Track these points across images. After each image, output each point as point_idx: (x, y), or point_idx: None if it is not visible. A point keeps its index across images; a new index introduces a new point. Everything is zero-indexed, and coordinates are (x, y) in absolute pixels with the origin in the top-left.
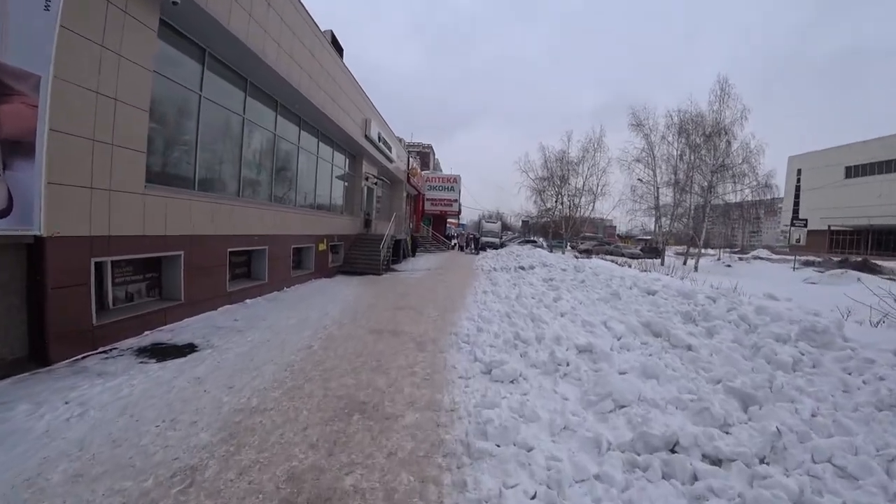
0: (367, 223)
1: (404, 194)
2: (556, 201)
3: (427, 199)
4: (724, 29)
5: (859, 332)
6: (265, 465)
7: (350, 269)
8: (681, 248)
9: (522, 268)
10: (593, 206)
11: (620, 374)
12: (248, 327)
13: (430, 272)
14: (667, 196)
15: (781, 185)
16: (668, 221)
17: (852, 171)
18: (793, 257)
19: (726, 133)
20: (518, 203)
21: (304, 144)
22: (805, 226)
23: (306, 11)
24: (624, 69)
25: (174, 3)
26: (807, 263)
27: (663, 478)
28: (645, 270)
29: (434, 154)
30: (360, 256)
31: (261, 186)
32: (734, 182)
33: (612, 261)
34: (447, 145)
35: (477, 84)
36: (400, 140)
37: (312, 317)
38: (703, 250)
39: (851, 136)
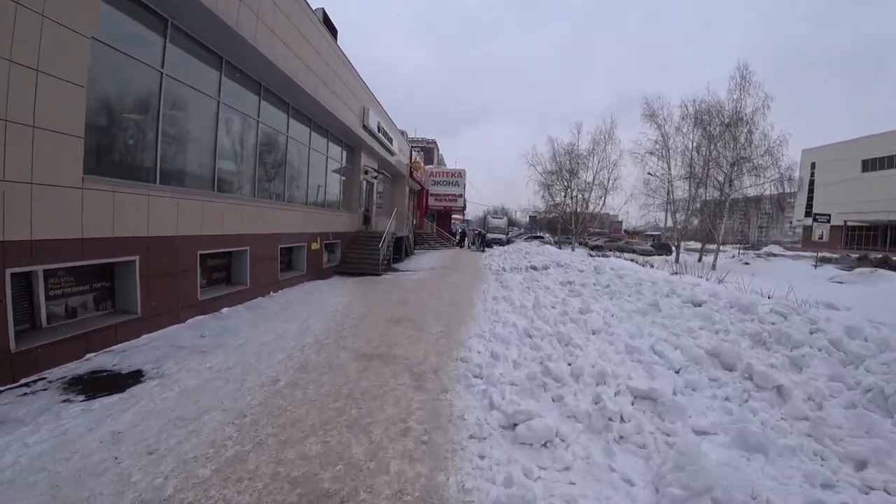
0: (367, 220)
1: (407, 189)
2: (564, 196)
3: (431, 195)
4: (733, 25)
5: None
6: None
7: (347, 269)
8: (692, 245)
9: (535, 268)
10: (604, 201)
11: (698, 433)
12: (213, 346)
13: (433, 272)
14: (682, 190)
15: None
16: (682, 216)
17: (869, 165)
18: (806, 254)
19: (747, 123)
20: (525, 198)
21: (293, 134)
22: (828, 221)
23: None
24: (632, 70)
25: None
26: (823, 260)
27: None
28: (675, 273)
29: (438, 149)
30: (358, 255)
31: (241, 180)
32: (756, 175)
33: (633, 259)
34: (451, 143)
35: (482, 84)
36: (403, 133)
37: (291, 332)
38: (716, 246)
39: (869, 128)
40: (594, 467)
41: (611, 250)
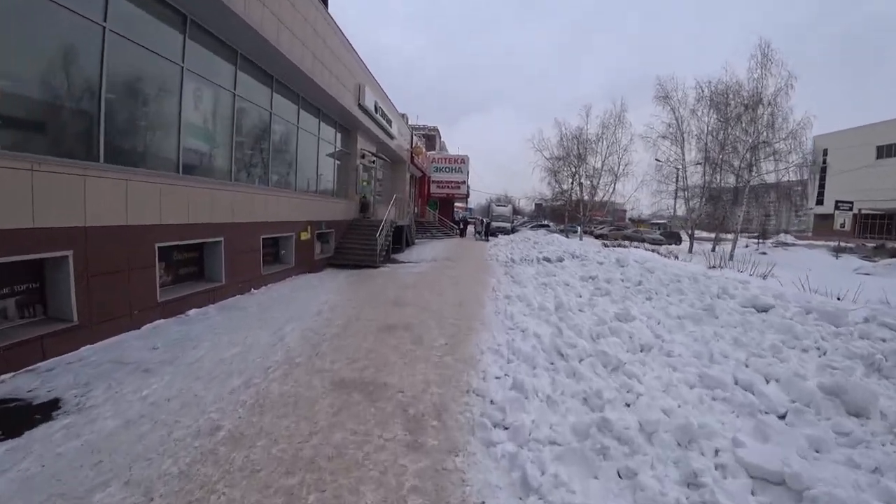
0: (364, 207)
1: (408, 175)
2: (572, 182)
3: (433, 182)
4: (733, 25)
5: None
6: None
7: (342, 260)
8: (700, 234)
9: (548, 259)
10: (614, 188)
11: None
12: (162, 363)
13: (435, 263)
14: (696, 176)
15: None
16: (697, 203)
17: (884, 151)
18: (818, 243)
19: (769, 104)
20: (530, 185)
21: (279, 111)
22: (850, 209)
23: None
24: (632, 70)
25: None
26: (838, 249)
27: None
28: (713, 266)
29: (440, 136)
30: (354, 246)
31: (213, 161)
32: (776, 160)
33: (653, 250)
34: (453, 130)
35: (484, 75)
36: (403, 117)
37: (260, 344)
38: (733, 236)
39: (881, 114)
40: None
41: (616, 239)
